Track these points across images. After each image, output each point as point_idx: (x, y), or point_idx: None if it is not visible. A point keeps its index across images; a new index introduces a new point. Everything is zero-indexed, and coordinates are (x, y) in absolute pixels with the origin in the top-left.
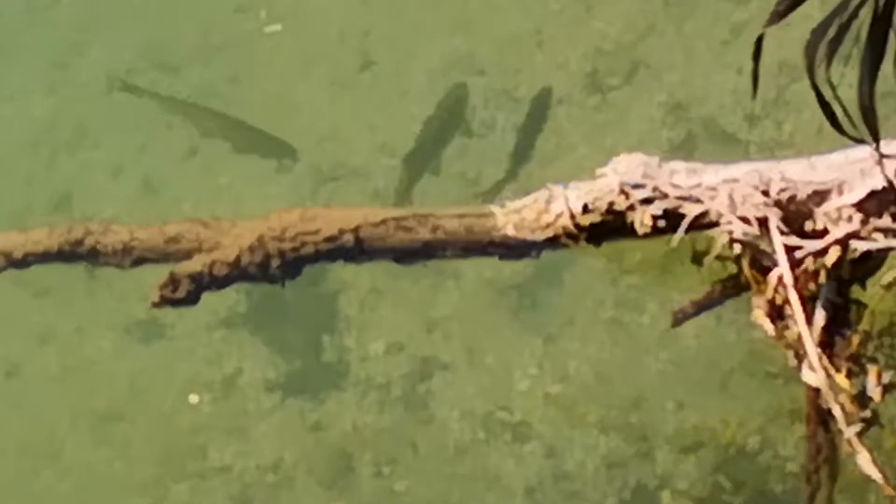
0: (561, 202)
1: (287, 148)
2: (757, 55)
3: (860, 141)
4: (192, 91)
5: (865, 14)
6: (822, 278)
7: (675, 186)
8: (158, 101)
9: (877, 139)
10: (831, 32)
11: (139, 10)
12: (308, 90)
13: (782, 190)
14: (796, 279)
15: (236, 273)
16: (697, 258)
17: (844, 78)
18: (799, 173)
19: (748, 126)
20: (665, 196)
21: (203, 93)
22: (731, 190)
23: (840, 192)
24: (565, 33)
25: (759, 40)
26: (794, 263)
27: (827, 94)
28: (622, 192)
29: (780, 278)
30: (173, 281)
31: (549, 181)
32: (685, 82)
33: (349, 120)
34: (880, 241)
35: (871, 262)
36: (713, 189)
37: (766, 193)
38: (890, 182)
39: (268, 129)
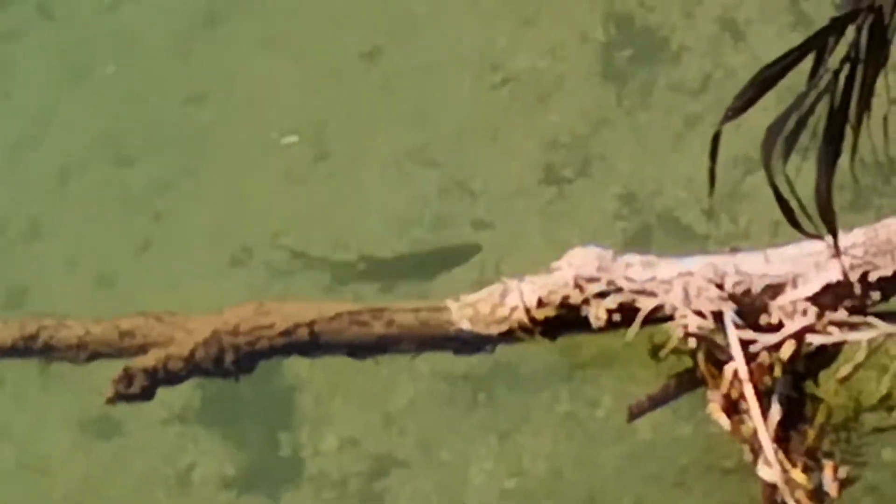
0: (516, 296)
1: (473, 247)
2: (714, 152)
3: (817, 237)
4: (147, 185)
5: (822, 109)
6: (778, 372)
7: (630, 280)
8: (331, 268)
9: (834, 235)
10: (788, 128)
11: (92, 103)
12: (262, 182)
13: (737, 283)
14: (751, 373)
15: (191, 368)
16: (655, 352)
17: (801, 172)
18: (754, 267)
19: (704, 219)
20: (620, 290)
21: (157, 186)
22: (685, 283)
23: (795, 286)
24: (520, 125)
25: (716, 137)
26: (750, 357)
27: (784, 189)
28: (577, 285)
29: (736, 372)
30: (128, 376)
31: (504, 275)
32: (640, 174)
33: (304, 213)
34: (835, 335)
35: (826, 355)
36: (668, 282)
37: (720, 287)
38: (846, 276)
39: (221, 221)
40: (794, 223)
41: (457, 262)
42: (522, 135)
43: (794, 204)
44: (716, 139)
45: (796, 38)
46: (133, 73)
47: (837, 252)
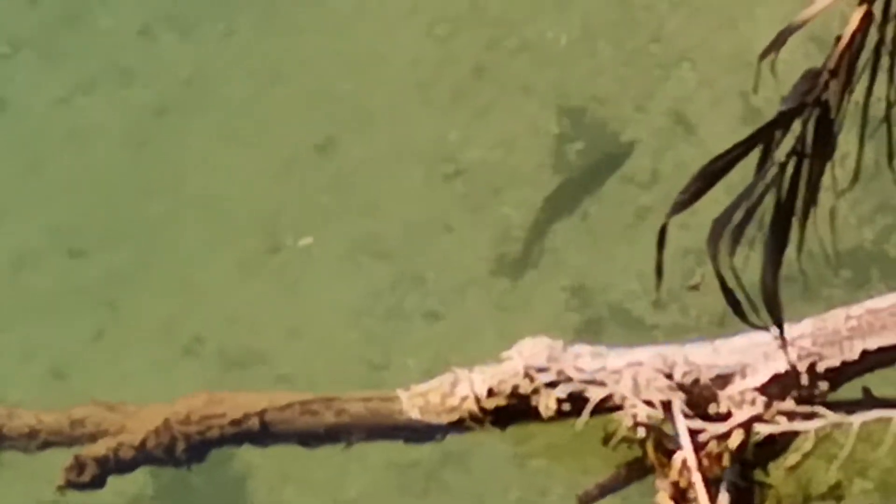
0: (466, 385)
1: None
2: (661, 245)
3: (763, 329)
4: (100, 276)
5: (769, 201)
6: (726, 461)
7: (580, 370)
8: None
9: (780, 327)
10: (735, 220)
11: (47, 194)
12: (215, 274)
13: (686, 373)
14: (700, 462)
15: (142, 456)
16: (606, 440)
17: (749, 261)
18: (702, 357)
19: (654, 310)
20: (570, 380)
21: (111, 278)
22: (635, 373)
23: (743, 376)
24: (472, 217)
25: (663, 231)
26: (698, 446)
27: (731, 281)
28: (527, 375)
29: (685, 461)
30: (79, 464)
31: (455, 365)
32: (590, 266)
33: (257, 304)
34: (783, 425)
35: (774, 445)
36: (617, 372)
37: (669, 377)
38: (793, 367)
39: (173, 312)
40: (741, 316)
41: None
42: (474, 226)
43: (741, 296)
44: (662, 232)
45: (746, 132)
46: (86, 165)
47: (784, 344)
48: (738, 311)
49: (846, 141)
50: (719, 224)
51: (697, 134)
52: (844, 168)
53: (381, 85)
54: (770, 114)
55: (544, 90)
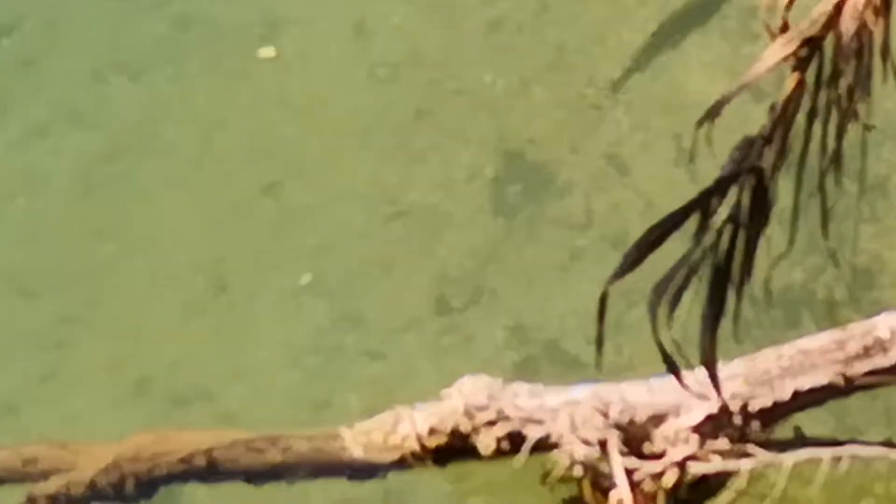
0: (407, 424)
1: None
2: (601, 313)
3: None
4: (50, 316)
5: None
6: (661, 500)
7: (518, 408)
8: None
9: (718, 391)
10: (672, 287)
11: None
12: (162, 315)
13: (622, 412)
14: (636, 500)
15: (92, 494)
16: (546, 478)
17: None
18: (638, 396)
19: (589, 348)
20: (508, 418)
21: (61, 319)
22: (572, 412)
23: (678, 415)
24: (412, 259)
25: (603, 299)
26: (634, 485)
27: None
28: (467, 413)
29: (620, 500)
30: (31, 501)
31: (397, 403)
32: (527, 306)
33: (202, 344)
34: (717, 464)
35: (709, 484)
36: (555, 411)
37: (605, 415)
38: (726, 407)
39: (122, 352)
40: (680, 382)
41: None
42: (414, 268)
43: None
44: (603, 301)
45: (678, 173)
46: (37, 207)
47: (722, 402)
48: (678, 378)
49: (783, 187)
50: (658, 290)
51: (631, 176)
52: (780, 221)
53: (323, 130)
54: (701, 155)
55: (482, 134)
